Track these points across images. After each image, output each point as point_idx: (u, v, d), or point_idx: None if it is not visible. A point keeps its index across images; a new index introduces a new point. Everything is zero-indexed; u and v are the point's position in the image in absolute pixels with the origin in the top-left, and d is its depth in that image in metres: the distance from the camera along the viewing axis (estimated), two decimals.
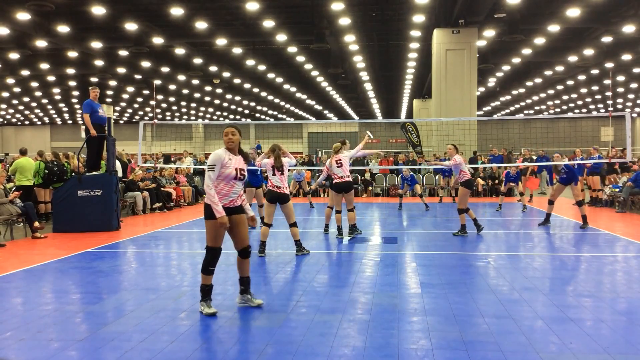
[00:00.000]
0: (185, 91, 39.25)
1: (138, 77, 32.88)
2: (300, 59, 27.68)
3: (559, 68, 30.59)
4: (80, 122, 52.74)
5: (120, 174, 13.80)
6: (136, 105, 49.22)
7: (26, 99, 44.45)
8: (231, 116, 56.01)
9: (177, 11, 19.55)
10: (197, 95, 41.66)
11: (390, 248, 8.75)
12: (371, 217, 13.64)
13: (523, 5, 19.47)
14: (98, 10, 19.09)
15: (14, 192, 10.54)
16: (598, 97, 43.18)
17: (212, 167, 4.95)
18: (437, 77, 22.56)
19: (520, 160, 19.89)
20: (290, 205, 7.95)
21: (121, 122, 54.78)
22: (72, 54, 26.00)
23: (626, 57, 26.71)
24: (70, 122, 60.08)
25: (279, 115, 53.82)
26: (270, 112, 52.84)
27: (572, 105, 49.00)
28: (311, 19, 21.52)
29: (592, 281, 6.35)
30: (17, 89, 38.31)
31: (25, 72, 30.14)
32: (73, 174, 12.50)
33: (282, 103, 46.08)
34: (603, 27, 22.36)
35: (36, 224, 10.07)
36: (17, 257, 8.19)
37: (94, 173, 11.35)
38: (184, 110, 51.87)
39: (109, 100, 42.20)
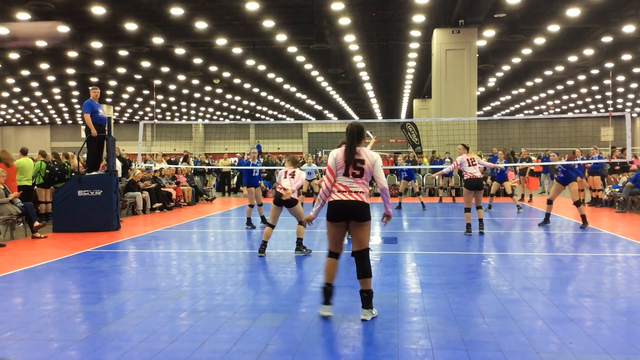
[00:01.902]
0: (185, 91, 39.26)
1: (138, 77, 32.88)
2: (300, 59, 27.68)
3: (559, 68, 30.60)
4: (80, 122, 52.75)
5: (120, 174, 13.80)
6: (136, 105, 49.22)
7: (26, 99, 44.46)
8: (231, 116, 56.02)
9: (177, 11, 19.55)
10: (197, 95, 41.66)
11: (390, 248, 8.74)
12: (371, 217, 13.62)
13: (523, 5, 19.46)
14: (98, 10, 19.09)
15: (14, 192, 10.54)
16: (598, 97, 43.19)
17: None
18: (437, 77, 22.55)
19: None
20: (298, 207, 7.92)
21: (121, 122, 54.79)
22: (72, 54, 26.00)
23: (626, 57, 26.71)
24: (70, 122, 60.11)
25: (279, 115, 53.82)
26: (270, 112, 52.84)
27: (572, 105, 49.01)
28: (311, 19, 21.52)
29: (592, 281, 6.35)
30: (17, 89, 38.32)
31: (25, 72, 30.14)
32: (73, 174, 12.50)
33: (282, 103, 46.09)
34: (603, 27, 22.36)
35: (36, 223, 10.06)
36: (17, 257, 8.19)
37: (94, 173, 11.35)
38: (184, 110, 51.87)
39: (109, 100, 42.20)
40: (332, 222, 4.88)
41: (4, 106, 48.37)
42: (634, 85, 37.31)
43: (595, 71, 31.13)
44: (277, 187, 8.03)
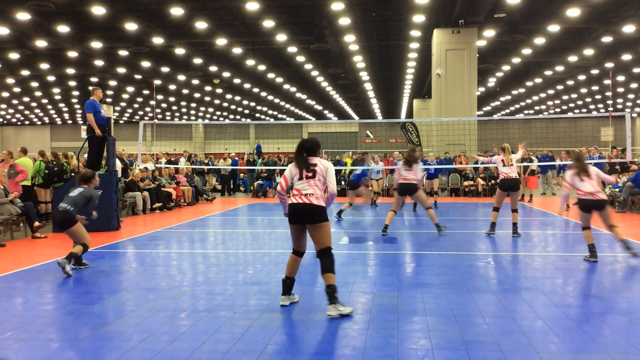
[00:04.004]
0: (185, 91, 39.26)
1: (138, 77, 32.88)
2: (300, 59, 27.69)
3: (559, 68, 30.60)
4: (81, 122, 52.73)
5: (120, 174, 13.80)
6: (136, 105, 49.22)
7: (26, 99, 44.45)
8: (231, 116, 56.01)
9: (177, 11, 19.55)
10: (197, 95, 41.66)
11: (390, 248, 8.74)
12: (371, 217, 13.64)
13: (523, 5, 19.47)
14: (98, 10, 19.09)
15: (14, 193, 10.53)
16: (598, 97, 43.18)
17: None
18: (437, 77, 22.54)
19: (466, 161, 19.64)
20: (420, 193, 9.97)
21: (121, 122, 54.77)
22: (72, 54, 26.00)
23: (626, 57, 26.71)
24: (70, 122, 60.10)
25: (279, 115, 53.82)
26: (270, 112, 52.84)
27: (572, 105, 49.00)
28: (311, 19, 21.53)
29: (592, 281, 6.35)
30: (17, 89, 38.31)
31: (25, 72, 30.14)
32: (73, 174, 12.50)
33: (282, 103, 46.09)
34: (603, 27, 22.36)
35: (36, 223, 10.06)
36: (17, 257, 8.19)
37: None
38: (184, 110, 51.86)
39: (109, 100, 42.19)
40: (290, 223, 5.21)
41: (4, 106, 48.35)
42: (634, 85, 37.30)
43: (595, 71, 31.12)
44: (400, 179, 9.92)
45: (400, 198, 10.16)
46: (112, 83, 35.27)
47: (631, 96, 43.40)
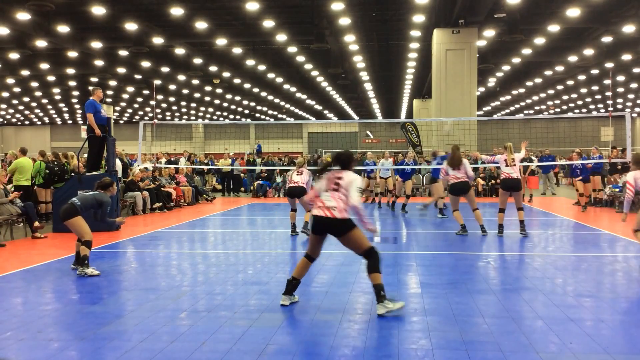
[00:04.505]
0: (185, 91, 39.24)
1: (138, 77, 32.87)
2: (300, 59, 27.68)
3: (559, 68, 30.58)
4: (81, 122, 52.70)
5: (120, 174, 13.80)
6: (136, 105, 49.20)
7: (26, 99, 44.43)
8: (231, 116, 56.00)
9: (177, 11, 19.54)
10: (197, 95, 41.65)
11: (390, 248, 8.74)
12: (371, 217, 13.64)
13: (523, 5, 19.46)
14: (98, 10, 19.08)
15: (14, 193, 10.53)
16: (598, 97, 43.15)
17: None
18: (437, 77, 22.53)
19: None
20: (472, 192, 10.08)
21: (121, 122, 54.74)
22: (72, 54, 26.00)
23: (626, 57, 26.69)
24: (70, 122, 60.08)
25: (279, 115, 53.80)
26: (270, 112, 52.82)
27: (572, 105, 48.98)
28: (311, 19, 21.52)
29: (592, 281, 6.35)
30: (17, 89, 38.30)
31: (25, 72, 30.13)
32: (73, 173, 12.51)
33: (282, 103, 46.07)
34: (603, 27, 22.35)
35: (36, 223, 10.07)
36: (17, 257, 8.19)
37: (94, 173, 11.36)
38: (184, 110, 51.85)
39: (109, 100, 42.16)
40: (312, 232, 5.35)
41: (4, 106, 48.32)
42: (634, 85, 37.27)
43: (595, 71, 31.10)
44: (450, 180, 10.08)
45: (455, 198, 10.13)
46: (112, 83, 35.25)
47: (631, 96, 43.38)
